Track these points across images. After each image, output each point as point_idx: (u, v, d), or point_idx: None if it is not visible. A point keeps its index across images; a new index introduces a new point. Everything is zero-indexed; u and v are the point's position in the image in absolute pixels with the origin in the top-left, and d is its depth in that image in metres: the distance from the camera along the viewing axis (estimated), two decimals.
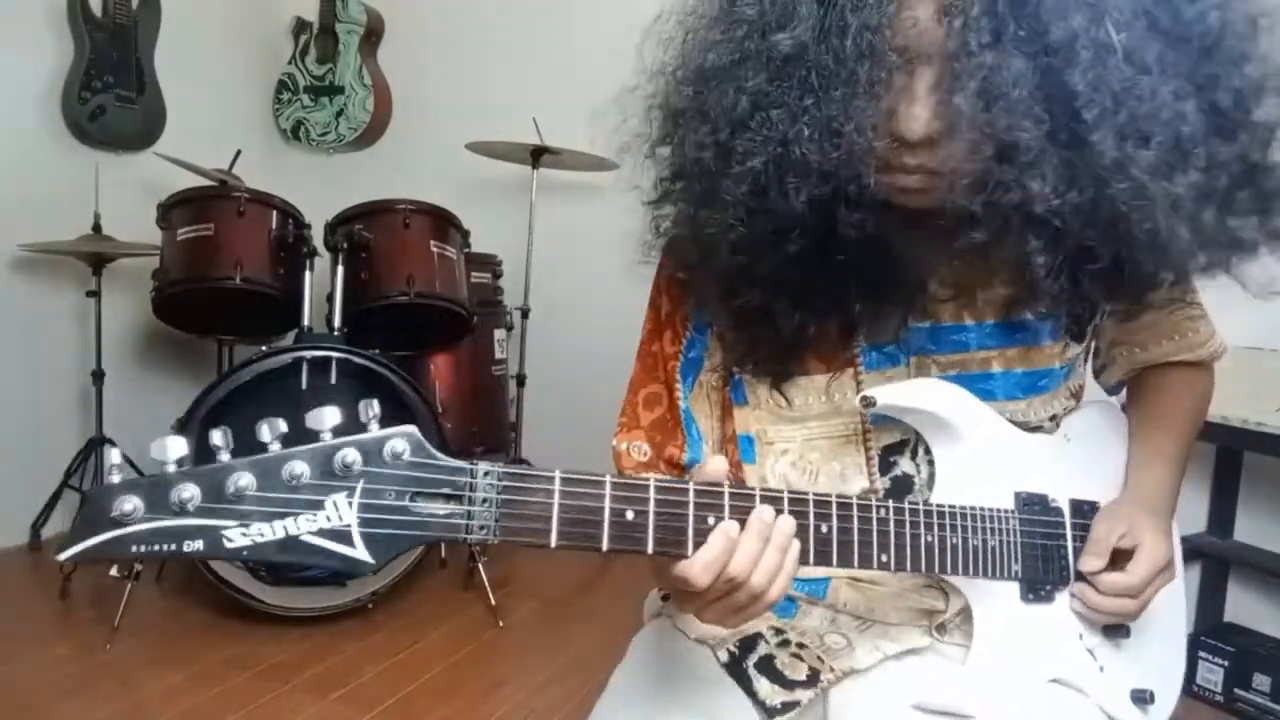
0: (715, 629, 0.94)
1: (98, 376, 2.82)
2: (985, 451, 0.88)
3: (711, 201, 0.78)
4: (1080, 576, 0.88)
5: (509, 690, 2.12)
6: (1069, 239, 0.71)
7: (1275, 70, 0.73)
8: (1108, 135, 0.67)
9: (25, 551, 2.87)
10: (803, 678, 0.87)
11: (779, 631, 0.92)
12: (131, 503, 0.54)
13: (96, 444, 2.80)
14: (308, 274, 2.45)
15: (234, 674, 2.11)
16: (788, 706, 0.85)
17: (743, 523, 0.70)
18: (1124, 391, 1.06)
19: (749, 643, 0.91)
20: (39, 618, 2.44)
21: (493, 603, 2.43)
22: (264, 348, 2.35)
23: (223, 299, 2.49)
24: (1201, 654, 2.14)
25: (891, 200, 0.77)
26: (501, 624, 2.42)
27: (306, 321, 2.43)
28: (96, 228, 2.76)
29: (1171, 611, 0.99)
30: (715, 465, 0.72)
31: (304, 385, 2.26)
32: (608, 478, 0.66)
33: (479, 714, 2.01)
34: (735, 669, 0.89)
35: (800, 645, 0.90)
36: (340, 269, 2.46)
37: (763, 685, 0.86)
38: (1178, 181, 0.68)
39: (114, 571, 2.24)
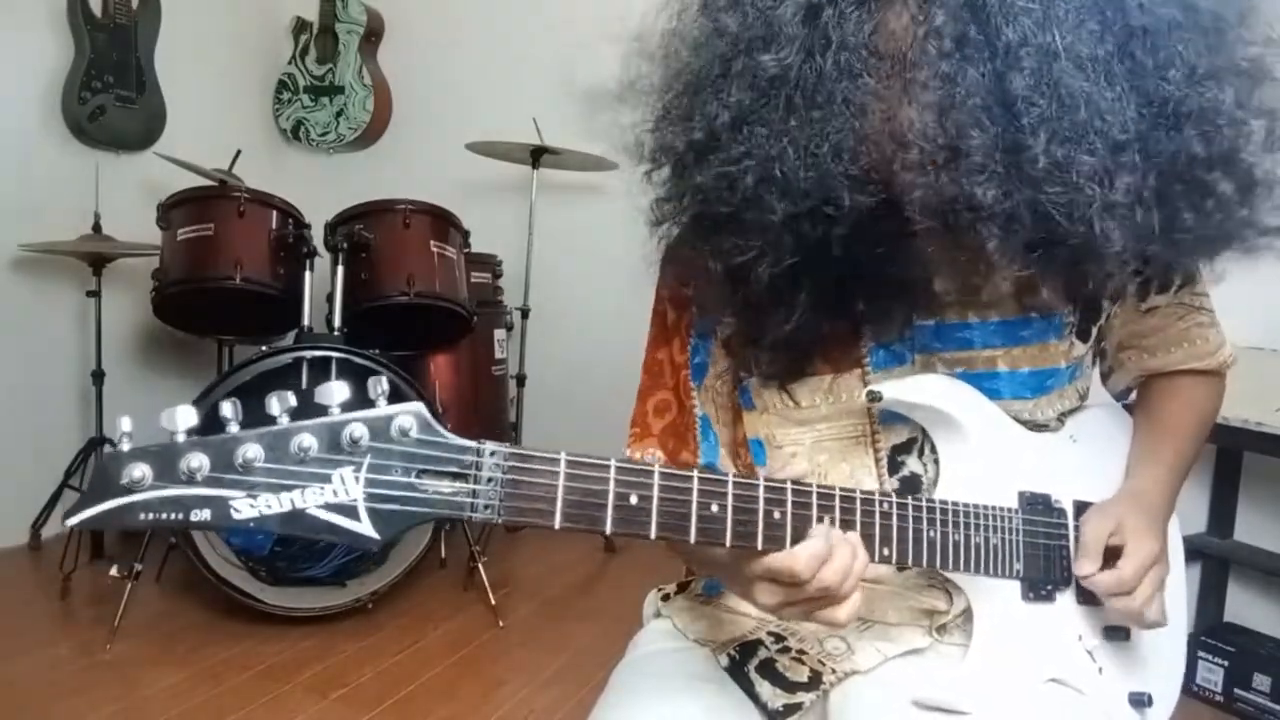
0: (714, 633, 0.94)
1: (98, 376, 2.82)
2: (990, 449, 0.88)
3: (715, 222, 0.79)
4: (1077, 580, 0.88)
5: (509, 690, 2.12)
6: (1019, 234, 0.70)
7: (1228, 59, 0.72)
8: (1043, 139, 0.66)
9: (25, 552, 2.86)
10: (804, 680, 0.87)
11: (779, 638, 0.91)
12: (141, 470, 0.54)
13: (96, 444, 2.80)
14: (308, 274, 2.45)
15: (234, 674, 2.11)
16: (790, 709, 0.85)
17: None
18: (1133, 395, 1.05)
19: (749, 648, 0.91)
20: (39, 618, 2.44)
21: (493, 603, 2.43)
22: (264, 348, 2.34)
23: (223, 299, 2.49)
24: (1201, 654, 2.13)
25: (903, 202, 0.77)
26: (501, 624, 2.42)
27: (306, 321, 2.42)
28: (96, 228, 2.76)
29: (1171, 615, 0.99)
30: (793, 470, 0.74)
31: (304, 385, 2.26)
32: (612, 461, 0.66)
33: (479, 714, 2.01)
34: (736, 672, 0.89)
35: (800, 652, 0.90)
36: (340, 269, 2.45)
37: (765, 688, 0.86)
38: (1117, 186, 0.67)
39: (114, 571, 2.23)
